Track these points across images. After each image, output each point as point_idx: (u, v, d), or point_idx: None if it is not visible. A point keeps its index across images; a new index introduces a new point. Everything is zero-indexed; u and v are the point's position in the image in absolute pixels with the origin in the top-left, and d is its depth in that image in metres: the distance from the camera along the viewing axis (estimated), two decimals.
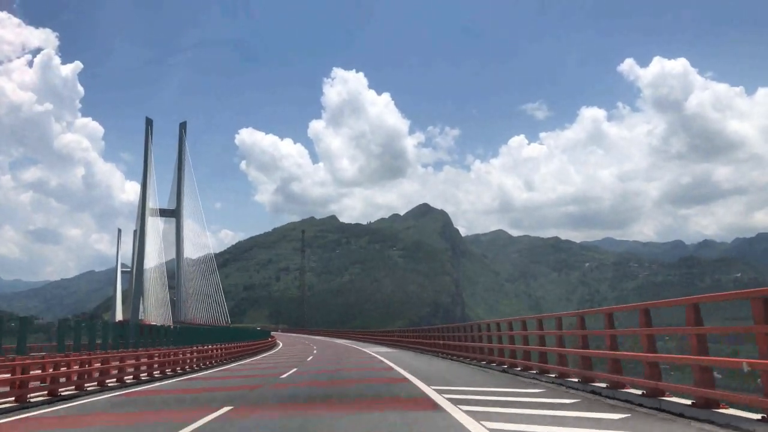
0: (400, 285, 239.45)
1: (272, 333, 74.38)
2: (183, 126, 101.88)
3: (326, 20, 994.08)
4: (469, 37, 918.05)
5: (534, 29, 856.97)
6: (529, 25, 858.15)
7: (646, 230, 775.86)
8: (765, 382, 6.33)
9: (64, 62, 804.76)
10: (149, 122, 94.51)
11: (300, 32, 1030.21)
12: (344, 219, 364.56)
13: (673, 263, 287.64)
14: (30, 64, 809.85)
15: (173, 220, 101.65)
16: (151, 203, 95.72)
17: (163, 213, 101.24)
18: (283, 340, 66.21)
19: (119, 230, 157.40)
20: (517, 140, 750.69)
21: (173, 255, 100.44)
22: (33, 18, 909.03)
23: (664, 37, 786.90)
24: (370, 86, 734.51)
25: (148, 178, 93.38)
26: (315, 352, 35.02)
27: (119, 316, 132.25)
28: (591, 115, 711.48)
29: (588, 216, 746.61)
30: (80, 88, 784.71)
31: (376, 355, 27.73)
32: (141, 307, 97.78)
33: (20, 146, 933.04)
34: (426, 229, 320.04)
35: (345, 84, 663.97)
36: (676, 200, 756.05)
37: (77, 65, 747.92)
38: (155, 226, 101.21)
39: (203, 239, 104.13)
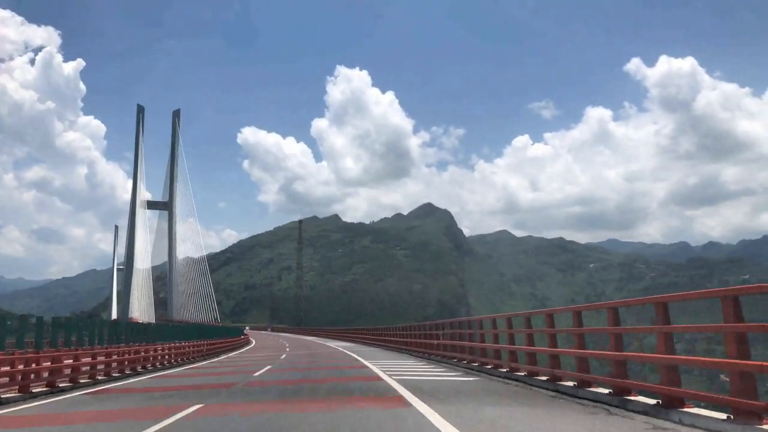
0: (404, 285, 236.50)
1: (258, 332, 71.05)
2: (176, 114, 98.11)
3: (330, 18, 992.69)
4: (474, 36, 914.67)
5: (539, 28, 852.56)
6: (534, 24, 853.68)
7: (651, 231, 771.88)
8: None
9: (65, 60, 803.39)
10: (141, 109, 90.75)
11: (304, 30, 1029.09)
12: (347, 219, 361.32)
13: (681, 264, 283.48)
14: (32, 62, 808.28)
15: (166, 218, 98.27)
16: (143, 196, 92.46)
17: (156, 205, 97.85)
18: (262, 341, 57.77)
19: (116, 227, 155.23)
20: (522, 140, 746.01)
21: (166, 253, 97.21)
22: (36, 16, 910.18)
23: (671, 35, 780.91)
24: (374, 84, 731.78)
25: (139, 168, 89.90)
26: (268, 368, 20.57)
27: (114, 314, 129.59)
28: (597, 115, 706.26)
29: (593, 217, 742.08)
30: (82, 86, 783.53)
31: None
32: (135, 304, 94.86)
33: (23, 145, 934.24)
34: (430, 229, 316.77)
35: (349, 82, 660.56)
36: (683, 201, 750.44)
37: (79, 63, 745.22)
38: (150, 224, 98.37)
39: (196, 237, 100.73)
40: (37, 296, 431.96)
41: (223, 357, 32.80)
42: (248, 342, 54.82)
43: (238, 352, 39.16)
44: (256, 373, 17.95)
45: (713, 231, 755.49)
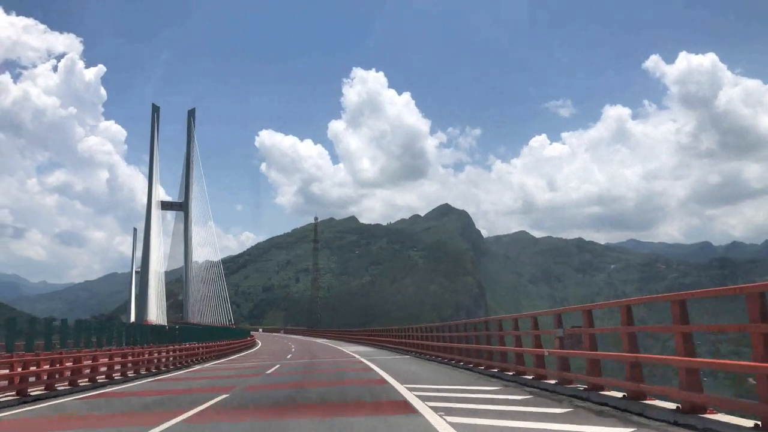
0: (420, 286, 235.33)
1: (271, 334, 69.98)
2: (191, 113, 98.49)
3: (345, 20, 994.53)
4: (491, 35, 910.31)
5: (557, 26, 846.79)
6: (552, 22, 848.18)
7: (671, 231, 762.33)
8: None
9: (87, 66, 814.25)
10: (156, 109, 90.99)
11: (319, 32, 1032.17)
12: (364, 220, 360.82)
13: (703, 264, 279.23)
14: (54, 68, 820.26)
15: (182, 223, 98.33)
16: (159, 197, 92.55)
17: (171, 206, 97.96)
18: (267, 345, 52.79)
19: (135, 230, 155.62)
20: (539, 140, 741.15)
21: (182, 256, 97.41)
22: (58, 23, 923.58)
23: (690, 31, 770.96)
24: (390, 86, 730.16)
25: (154, 168, 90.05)
26: (222, 396, 12.35)
27: (133, 317, 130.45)
28: (615, 113, 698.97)
29: (612, 217, 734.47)
30: (103, 92, 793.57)
31: None
32: (152, 307, 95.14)
33: (45, 150, 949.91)
34: (447, 229, 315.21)
35: (364, 84, 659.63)
36: (704, 200, 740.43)
37: (100, 69, 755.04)
38: (168, 228, 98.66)
39: (211, 238, 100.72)
40: (58, 299, 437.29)
41: (197, 367, 26.32)
42: (253, 344, 51.93)
43: (225, 359, 32.76)
44: (171, 423, 8.60)
45: (735, 230, 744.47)
